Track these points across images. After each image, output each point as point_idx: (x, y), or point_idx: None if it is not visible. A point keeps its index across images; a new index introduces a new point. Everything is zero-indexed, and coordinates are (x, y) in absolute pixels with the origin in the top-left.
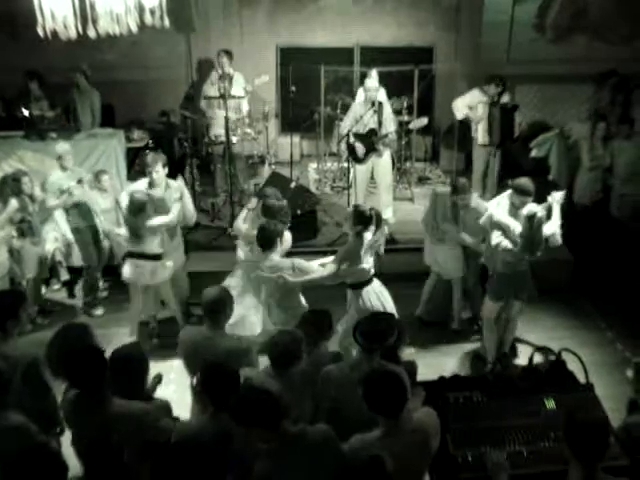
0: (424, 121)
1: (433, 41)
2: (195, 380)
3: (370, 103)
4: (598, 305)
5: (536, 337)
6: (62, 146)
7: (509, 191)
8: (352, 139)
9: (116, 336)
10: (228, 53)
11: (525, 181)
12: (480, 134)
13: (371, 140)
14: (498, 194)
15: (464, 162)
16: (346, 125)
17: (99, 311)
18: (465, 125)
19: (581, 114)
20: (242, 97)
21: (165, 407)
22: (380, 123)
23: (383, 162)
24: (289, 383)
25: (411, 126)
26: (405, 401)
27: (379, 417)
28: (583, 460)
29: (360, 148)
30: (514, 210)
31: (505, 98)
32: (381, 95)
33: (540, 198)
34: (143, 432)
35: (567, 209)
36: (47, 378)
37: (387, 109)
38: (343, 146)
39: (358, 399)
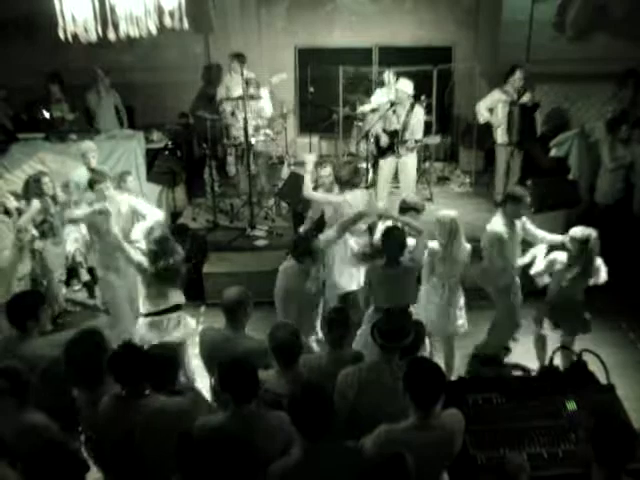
0: (437, 139)
1: (452, 41)
2: (215, 380)
3: (390, 103)
4: (619, 305)
5: (556, 337)
6: (87, 144)
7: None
8: (379, 131)
9: None
10: (239, 57)
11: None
12: (499, 133)
13: (392, 141)
14: None
15: (483, 161)
16: (372, 122)
17: None
18: (484, 124)
19: (603, 113)
20: (260, 98)
21: (200, 401)
22: (405, 126)
23: (409, 163)
24: (297, 379)
25: (425, 141)
26: (441, 395)
27: (412, 407)
28: (607, 466)
29: (384, 139)
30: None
31: (526, 98)
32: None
33: (560, 197)
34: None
35: (589, 208)
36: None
37: (419, 115)
38: (363, 146)
39: (376, 401)
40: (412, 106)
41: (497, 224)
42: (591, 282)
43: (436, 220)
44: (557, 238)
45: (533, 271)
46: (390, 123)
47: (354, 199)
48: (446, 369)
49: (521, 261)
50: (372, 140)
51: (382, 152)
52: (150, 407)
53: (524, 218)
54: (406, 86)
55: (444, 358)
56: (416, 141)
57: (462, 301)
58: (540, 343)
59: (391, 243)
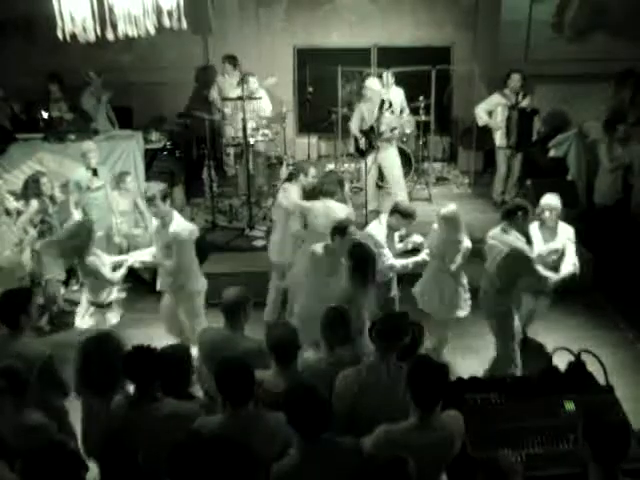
0: (411, 123)
1: (451, 41)
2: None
3: (376, 102)
4: (618, 305)
5: (555, 337)
6: (87, 144)
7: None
8: (357, 133)
9: (135, 337)
10: (231, 58)
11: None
12: (498, 136)
13: (369, 137)
14: (518, 194)
15: (482, 162)
16: (353, 125)
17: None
18: (483, 125)
19: (600, 114)
20: (259, 98)
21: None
22: (378, 121)
23: (388, 156)
24: (294, 379)
25: (401, 126)
26: (442, 396)
27: (412, 407)
28: (603, 462)
29: (362, 141)
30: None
31: (525, 102)
32: (395, 94)
33: (560, 198)
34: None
35: (587, 208)
36: (61, 376)
37: (395, 106)
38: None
39: (375, 402)
40: (382, 101)
41: (517, 241)
42: None
43: (440, 217)
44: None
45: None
46: (364, 123)
47: (324, 210)
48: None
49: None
50: (352, 142)
51: (362, 152)
52: (161, 411)
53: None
54: (373, 83)
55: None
56: (392, 130)
57: (459, 289)
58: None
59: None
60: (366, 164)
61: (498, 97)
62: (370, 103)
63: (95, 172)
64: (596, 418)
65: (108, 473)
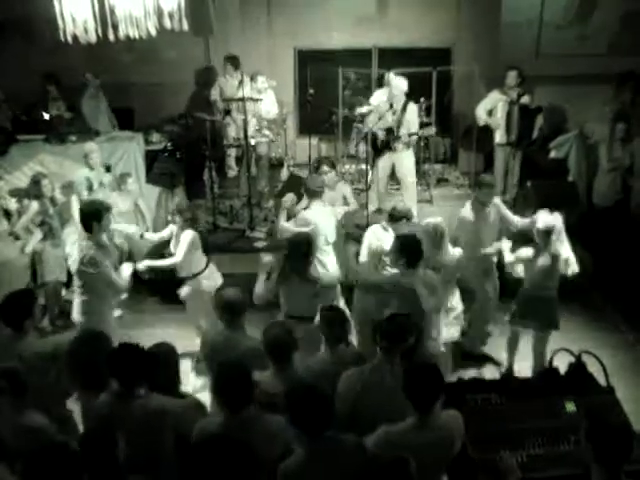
0: (432, 130)
1: (452, 42)
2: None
3: (390, 104)
4: (619, 307)
5: (555, 339)
6: (90, 145)
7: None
8: (376, 130)
9: (137, 338)
10: (232, 59)
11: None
12: (499, 133)
13: (387, 139)
14: (518, 195)
15: (483, 163)
16: (369, 123)
17: (117, 313)
18: (484, 126)
19: (602, 115)
20: (259, 100)
21: (199, 405)
22: (400, 123)
23: (405, 161)
24: (292, 379)
25: (420, 133)
26: (439, 397)
27: (411, 408)
28: (607, 463)
29: (381, 136)
30: None
31: (525, 99)
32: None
33: (560, 198)
34: (181, 428)
35: (587, 210)
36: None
37: (412, 110)
38: (362, 147)
39: (378, 402)
40: (405, 103)
41: (465, 210)
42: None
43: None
44: (527, 221)
45: (506, 260)
46: (385, 121)
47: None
48: None
49: (486, 251)
50: (369, 139)
51: (379, 151)
52: (146, 408)
53: (499, 203)
54: (401, 83)
55: None
56: (410, 134)
57: (458, 307)
58: (513, 343)
59: None
60: (373, 164)
61: (498, 94)
62: (394, 103)
63: (108, 169)
64: (599, 419)
65: (88, 470)
